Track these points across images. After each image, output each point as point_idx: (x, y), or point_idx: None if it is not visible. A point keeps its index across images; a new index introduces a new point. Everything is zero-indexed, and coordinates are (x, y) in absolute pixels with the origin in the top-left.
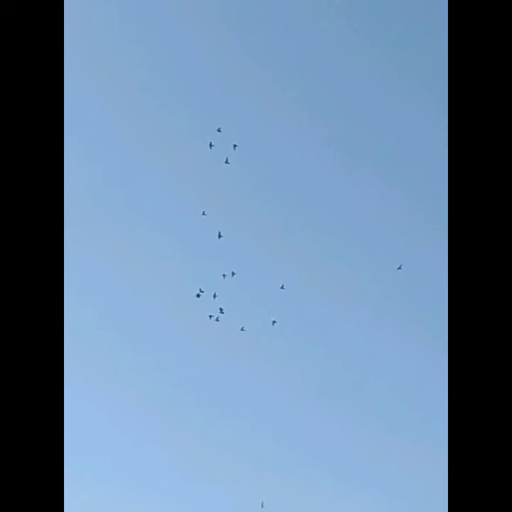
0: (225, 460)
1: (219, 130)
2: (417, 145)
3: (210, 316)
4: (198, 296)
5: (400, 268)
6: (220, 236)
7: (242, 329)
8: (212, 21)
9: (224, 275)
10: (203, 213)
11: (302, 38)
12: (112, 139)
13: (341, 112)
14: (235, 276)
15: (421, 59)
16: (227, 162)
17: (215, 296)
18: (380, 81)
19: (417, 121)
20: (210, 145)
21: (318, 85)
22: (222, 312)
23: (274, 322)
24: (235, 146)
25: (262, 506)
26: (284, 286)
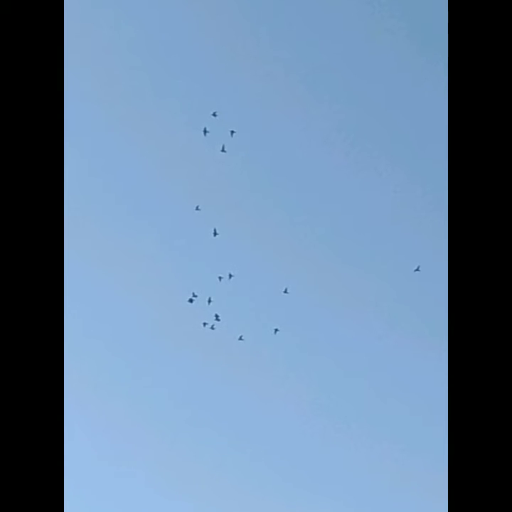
0: (221, 481)
1: (214, 114)
2: (438, 133)
3: (205, 324)
4: (191, 301)
5: (417, 269)
6: (215, 234)
7: (240, 338)
8: None
9: (220, 278)
10: (197, 208)
11: (307, 10)
12: (98, 125)
13: (352, 93)
14: (232, 278)
15: (443, 34)
16: (223, 150)
17: (210, 301)
18: (397, 59)
19: (438, 104)
20: (205, 131)
21: (327, 63)
22: (218, 319)
23: (276, 330)
24: (232, 132)
25: None
26: (288, 290)
